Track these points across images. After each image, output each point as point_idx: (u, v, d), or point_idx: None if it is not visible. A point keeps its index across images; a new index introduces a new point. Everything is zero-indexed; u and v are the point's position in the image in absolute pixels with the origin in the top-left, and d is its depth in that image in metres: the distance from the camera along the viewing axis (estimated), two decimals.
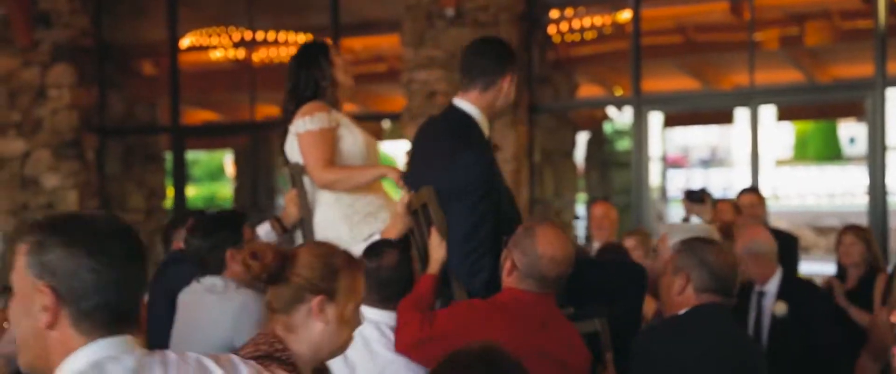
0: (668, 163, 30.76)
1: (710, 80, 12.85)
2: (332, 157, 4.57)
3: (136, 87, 13.28)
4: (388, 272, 3.79)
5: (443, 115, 4.19)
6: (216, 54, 12.94)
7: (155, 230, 13.16)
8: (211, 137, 15.78)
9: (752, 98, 10.06)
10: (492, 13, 10.43)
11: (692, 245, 3.66)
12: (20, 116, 12.51)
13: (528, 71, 10.82)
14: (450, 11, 10.53)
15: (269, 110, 13.65)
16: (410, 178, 4.24)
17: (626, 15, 10.79)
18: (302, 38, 12.49)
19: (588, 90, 13.08)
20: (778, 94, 10.81)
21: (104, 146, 12.64)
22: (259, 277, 2.77)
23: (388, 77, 11.69)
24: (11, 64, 12.59)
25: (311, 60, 4.72)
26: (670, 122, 17.45)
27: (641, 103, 10.38)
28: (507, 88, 4.12)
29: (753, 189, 7.50)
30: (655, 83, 12.90)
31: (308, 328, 2.69)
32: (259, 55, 12.48)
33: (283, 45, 12.36)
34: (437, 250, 3.90)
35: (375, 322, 3.72)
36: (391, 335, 3.71)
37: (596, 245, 7.18)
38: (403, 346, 3.66)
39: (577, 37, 11.52)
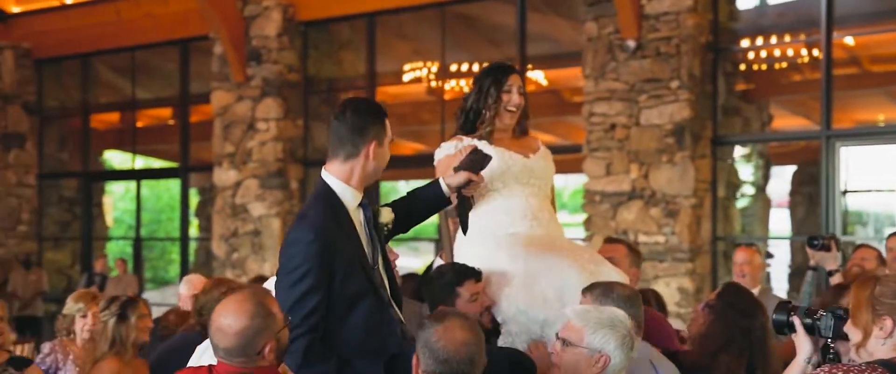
0: None
1: None
2: None
3: None
4: None
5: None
6: (412, 87, 13.29)
7: None
8: (403, 168, 16.14)
9: None
10: (674, 44, 10.21)
11: (421, 326, 3.36)
12: (233, 148, 13.31)
13: (713, 102, 10.50)
14: (631, 43, 10.39)
15: None
16: None
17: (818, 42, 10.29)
18: None
19: (786, 122, 12.53)
20: None
21: (308, 176, 13.23)
22: None
23: (573, 109, 11.63)
24: (227, 98, 13.43)
25: (481, 84, 4.69)
26: None
27: (830, 136, 9.86)
28: (372, 154, 3.80)
29: None
30: (863, 114, 12.23)
31: None
32: (450, 87, 12.73)
33: (474, 76, 12.54)
34: None
35: None
36: None
37: None
38: None
39: (771, 66, 11.09)
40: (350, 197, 3.82)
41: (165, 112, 16.51)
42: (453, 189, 4.26)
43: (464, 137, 4.64)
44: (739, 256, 7.11)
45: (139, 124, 16.61)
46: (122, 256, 16.89)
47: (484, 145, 4.55)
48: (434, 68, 12.88)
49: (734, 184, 11.03)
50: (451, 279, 4.43)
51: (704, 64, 10.37)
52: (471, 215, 4.60)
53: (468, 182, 4.26)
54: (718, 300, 4.68)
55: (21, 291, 15.28)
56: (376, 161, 3.84)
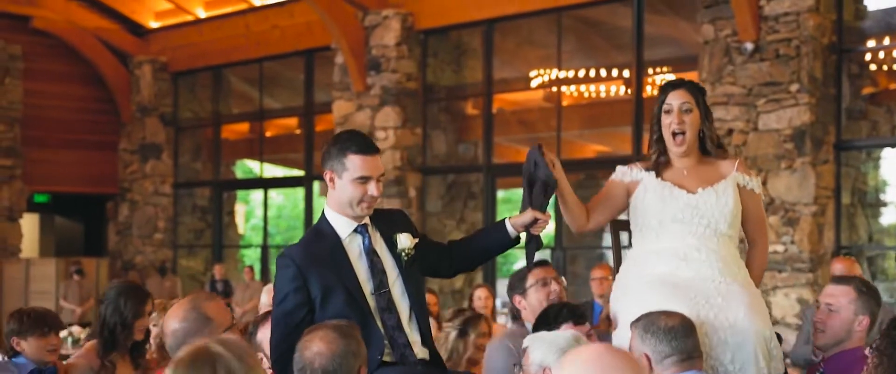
0: None
1: None
2: (598, 204, 4.36)
3: (458, 127, 13.81)
4: None
5: None
6: (530, 93, 13.18)
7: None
8: (520, 175, 16.06)
9: None
10: (794, 45, 9.81)
11: None
12: None
13: (836, 106, 10.04)
14: (749, 45, 10.03)
15: (577, 149, 13.71)
16: None
17: None
18: (613, 74, 12.46)
19: None
20: None
21: (426, 184, 13.24)
22: None
23: None
24: (348, 108, 13.57)
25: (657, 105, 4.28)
26: None
27: None
28: (330, 183, 3.91)
29: None
30: None
31: None
32: (569, 92, 12.59)
33: (591, 81, 12.40)
34: None
35: None
36: None
37: None
38: None
39: None
40: (340, 225, 3.96)
41: (292, 122, 16.82)
42: (520, 228, 4.15)
43: (635, 166, 4.35)
44: (837, 267, 6.69)
45: (267, 134, 16.97)
46: (254, 263, 17.29)
47: (649, 178, 4.25)
48: (552, 74, 12.72)
49: (861, 191, 10.51)
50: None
51: (827, 66, 9.92)
52: (629, 251, 4.38)
53: (535, 221, 4.12)
54: (886, 340, 3.69)
55: (156, 297, 15.75)
56: (339, 193, 3.89)
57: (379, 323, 3.85)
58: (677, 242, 4.12)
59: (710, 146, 4.24)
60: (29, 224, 17.73)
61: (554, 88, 12.67)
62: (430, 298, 6.63)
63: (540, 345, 3.75)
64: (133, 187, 17.30)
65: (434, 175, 13.41)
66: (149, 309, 5.01)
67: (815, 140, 9.74)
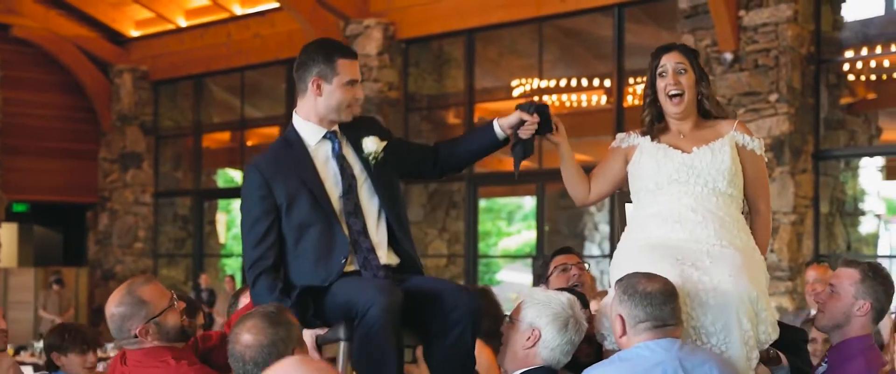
0: None
1: None
2: (598, 173, 4.30)
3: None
4: None
5: None
6: (511, 104, 13.21)
7: (456, 276, 13.62)
8: (502, 184, 16.07)
9: None
10: (773, 56, 9.91)
11: None
12: None
13: (815, 116, 10.14)
14: (728, 56, 10.12)
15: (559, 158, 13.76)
16: None
17: None
18: (595, 83, 12.54)
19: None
20: None
21: (407, 193, 13.25)
22: None
23: None
24: None
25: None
26: None
27: None
28: (316, 90, 3.89)
29: None
30: None
31: None
32: (549, 103, 12.64)
33: (572, 90, 12.47)
34: None
35: None
36: None
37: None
38: None
39: (880, 77, 10.66)
40: (309, 132, 3.97)
41: (273, 130, 16.81)
42: (507, 130, 4.18)
43: (632, 132, 4.27)
44: (811, 274, 6.72)
45: (249, 143, 16.96)
46: (235, 273, 17.26)
47: (645, 142, 4.18)
48: (533, 84, 12.80)
49: (840, 200, 10.61)
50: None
51: (805, 76, 10.03)
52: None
53: (522, 122, 4.14)
54: None
55: None
56: (327, 99, 3.90)
57: (344, 228, 3.86)
58: (674, 203, 4.03)
59: (709, 105, 4.15)
60: (7, 234, 17.64)
61: (535, 98, 12.72)
62: None
63: (533, 304, 3.75)
64: (113, 196, 17.24)
65: (415, 184, 13.43)
66: (200, 322, 5.03)
67: (793, 149, 9.84)
